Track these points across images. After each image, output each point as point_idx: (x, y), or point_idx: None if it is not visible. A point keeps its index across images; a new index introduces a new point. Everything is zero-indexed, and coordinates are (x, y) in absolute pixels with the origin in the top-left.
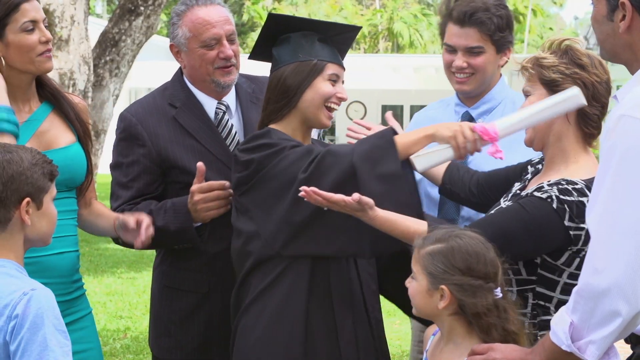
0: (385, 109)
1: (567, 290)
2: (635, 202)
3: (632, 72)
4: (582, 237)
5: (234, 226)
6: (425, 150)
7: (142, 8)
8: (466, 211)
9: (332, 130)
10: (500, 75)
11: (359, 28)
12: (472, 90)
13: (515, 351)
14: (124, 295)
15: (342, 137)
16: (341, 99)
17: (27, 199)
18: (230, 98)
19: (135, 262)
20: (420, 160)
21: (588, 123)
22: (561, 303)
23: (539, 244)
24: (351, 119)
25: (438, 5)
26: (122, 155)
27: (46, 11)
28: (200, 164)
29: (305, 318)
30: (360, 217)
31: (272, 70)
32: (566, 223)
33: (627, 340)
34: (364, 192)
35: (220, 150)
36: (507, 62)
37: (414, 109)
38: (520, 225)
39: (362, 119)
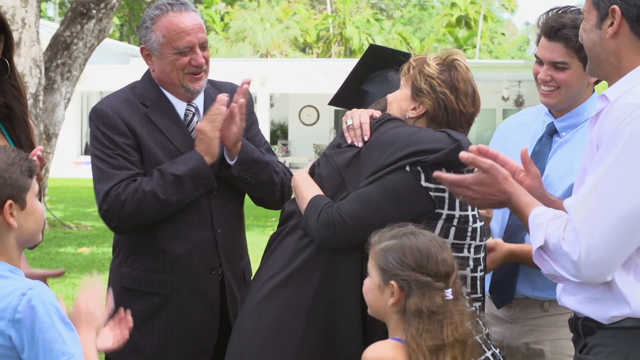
0: (338, 113)
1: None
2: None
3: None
4: (446, 201)
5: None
6: None
7: (94, 11)
8: None
9: (285, 135)
10: (594, 91)
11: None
12: (556, 104)
13: (486, 185)
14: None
15: (295, 141)
16: None
17: (9, 201)
18: (199, 101)
19: (86, 266)
20: None
21: None
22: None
23: (400, 207)
24: (304, 124)
25: (390, 10)
26: (104, 145)
27: None
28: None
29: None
30: None
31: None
32: (423, 184)
33: (575, 331)
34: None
35: (189, 150)
36: (600, 80)
37: None
38: (379, 190)
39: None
